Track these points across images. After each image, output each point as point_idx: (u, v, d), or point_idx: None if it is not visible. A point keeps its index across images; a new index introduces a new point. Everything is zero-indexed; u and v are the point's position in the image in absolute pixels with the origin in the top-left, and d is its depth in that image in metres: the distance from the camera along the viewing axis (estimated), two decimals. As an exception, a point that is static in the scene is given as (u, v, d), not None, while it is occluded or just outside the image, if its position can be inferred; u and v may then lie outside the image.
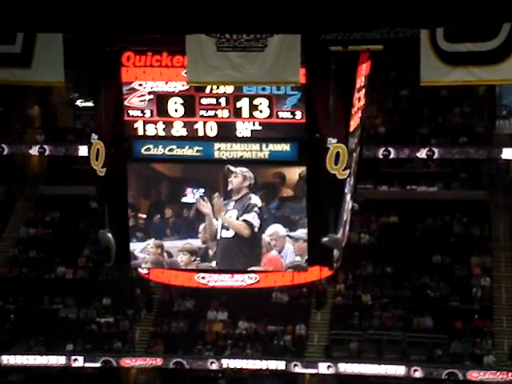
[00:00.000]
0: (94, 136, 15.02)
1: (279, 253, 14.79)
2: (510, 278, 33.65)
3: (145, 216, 15.07)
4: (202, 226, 14.91)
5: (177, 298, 34.38)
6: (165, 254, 15.08)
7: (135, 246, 15.16)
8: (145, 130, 14.79)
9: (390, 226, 35.75)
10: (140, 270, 15.86)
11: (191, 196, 14.85)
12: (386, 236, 35.25)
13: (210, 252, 14.98)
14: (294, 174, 14.56)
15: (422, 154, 33.25)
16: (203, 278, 15.67)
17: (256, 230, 14.71)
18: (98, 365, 32.58)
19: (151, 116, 14.72)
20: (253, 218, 14.70)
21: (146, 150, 14.84)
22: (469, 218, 35.34)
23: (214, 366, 31.84)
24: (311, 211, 14.61)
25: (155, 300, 34.17)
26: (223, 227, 14.88)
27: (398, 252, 34.32)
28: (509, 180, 35.62)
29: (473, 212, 35.27)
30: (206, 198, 14.83)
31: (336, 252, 14.98)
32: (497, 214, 35.51)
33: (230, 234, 14.87)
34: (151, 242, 15.08)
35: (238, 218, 14.77)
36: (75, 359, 32.45)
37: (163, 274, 15.91)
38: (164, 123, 14.73)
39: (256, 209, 14.70)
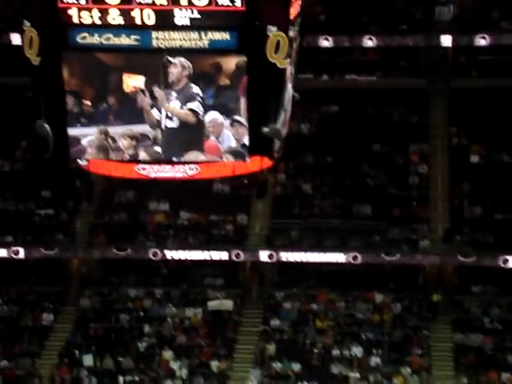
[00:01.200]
0: (26, 23, 14.57)
1: (217, 139, 14.93)
2: (447, 165, 34.22)
3: (89, 103, 15.00)
4: (144, 115, 14.92)
5: (117, 189, 34.31)
6: (109, 140, 15.15)
7: (80, 132, 15.16)
8: (80, 18, 14.37)
9: (330, 115, 35.86)
10: (79, 161, 15.76)
11: (132, 85, 14.81)
12: (327, 125, 35.39)
13: (154, 139, 15.05)
14: (230, 63, 14.47)
15: (362, 42, 33.12)
16: (144, 169, 15.61)
17: (201, 117, 14.79)
18: (39, 256, 32.59)
19: (86, 3, 14.28)
20: (197, 106, 14.74)
21: (81, 38, 14.49)
22: (407, 106, 35.59)
23: (157, 257, 32.09)
24: (251, 101, 14.56)
25: (95, 191, 34.11)
26: (167, 117, 14.87)
27: (337, 141, 34.55)
28: (447, 67, 35.74)
29: (411, 100, 35.48)
30: (146, 92, 14.75)
31: (277, 142, 15.01)
32: (435, 102, 35.78)
33: (174, 123, 14.91)
34: (96, 128, 15.05)
35: (181, 108, 14.79)
36: (16, 251, 32.37)
37: (103, 165, 15.80)
38: (99, 11, 14.31)
39: (198, 98, 14.72)
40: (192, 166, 15.43)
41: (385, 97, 35.51)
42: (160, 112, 14.89)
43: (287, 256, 31.71)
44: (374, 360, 30.54)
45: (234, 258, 31.84)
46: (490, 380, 29.65)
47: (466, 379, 29.70)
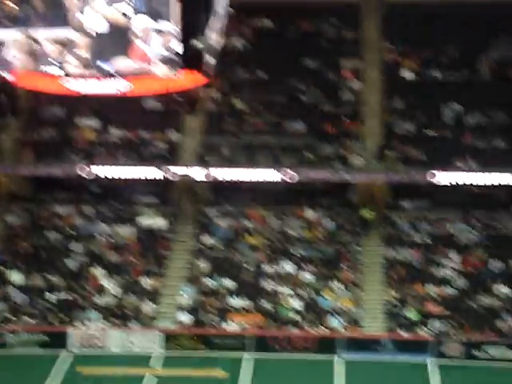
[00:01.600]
0: None
1: (145, 44, 14.55)
2: (380, 80, 34.11)
3: (12, 4, 14.46)
4: (71, 18, 14.39)
5: (45, 105, 33.39)
6: (36, 45, 14.66)
7: (4, 36, 14.76)
8: None
9: (262, 30, 35.26)
10: (5, 74, 15.15)
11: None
12: (260, 41, 34.82)
13: (81, 43, 14.54)
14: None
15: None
16: (72, 83, 15.03)
17: (128, 19, 14.35)
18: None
19: None
20: (125, 7, 14.28)
21: None
22: (340, 20, 35.18)
23: (86, 174, 31.49)
24: (184, 11, 14.14)
25: (21, 106, 33.18)
26: (94, 21, 14.41)
27: (270, 57, 34.04)
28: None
29: (344, 15, 35.05)
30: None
31: (210, 58, 14.64)
32: (368, 17, 35.42)
33: (100, 27, 14.46)
34: (20, 31, 14.58)
35: (109, 10, 14.34)
36: None
37: (30, 79, 15.20)
38: None
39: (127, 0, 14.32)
40: (124, 82, 14.91)
41: (318, 11, 35.00)
42: (87, 15, 14.39)
43: (220, 173, 31.45)
44: (306, 276, 30.85)
45: (166, 176, 31.45)
46: (417, 293, 30.25)
47: (394, 292, 30.25)
